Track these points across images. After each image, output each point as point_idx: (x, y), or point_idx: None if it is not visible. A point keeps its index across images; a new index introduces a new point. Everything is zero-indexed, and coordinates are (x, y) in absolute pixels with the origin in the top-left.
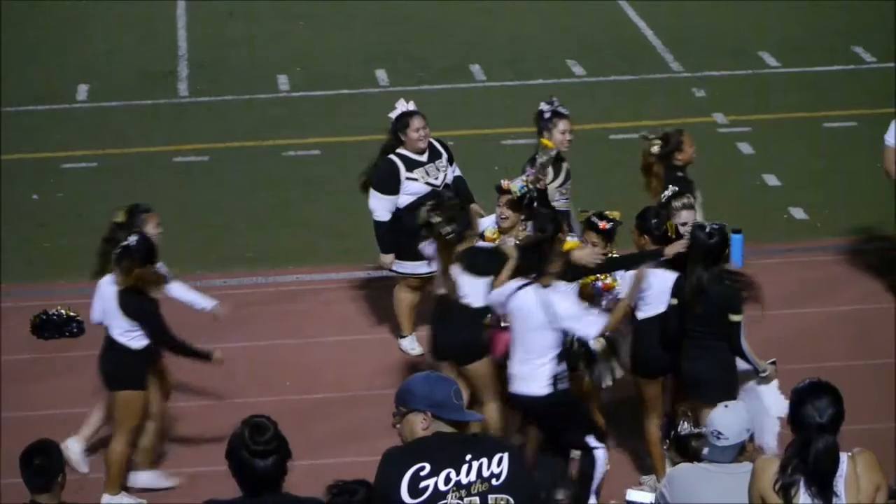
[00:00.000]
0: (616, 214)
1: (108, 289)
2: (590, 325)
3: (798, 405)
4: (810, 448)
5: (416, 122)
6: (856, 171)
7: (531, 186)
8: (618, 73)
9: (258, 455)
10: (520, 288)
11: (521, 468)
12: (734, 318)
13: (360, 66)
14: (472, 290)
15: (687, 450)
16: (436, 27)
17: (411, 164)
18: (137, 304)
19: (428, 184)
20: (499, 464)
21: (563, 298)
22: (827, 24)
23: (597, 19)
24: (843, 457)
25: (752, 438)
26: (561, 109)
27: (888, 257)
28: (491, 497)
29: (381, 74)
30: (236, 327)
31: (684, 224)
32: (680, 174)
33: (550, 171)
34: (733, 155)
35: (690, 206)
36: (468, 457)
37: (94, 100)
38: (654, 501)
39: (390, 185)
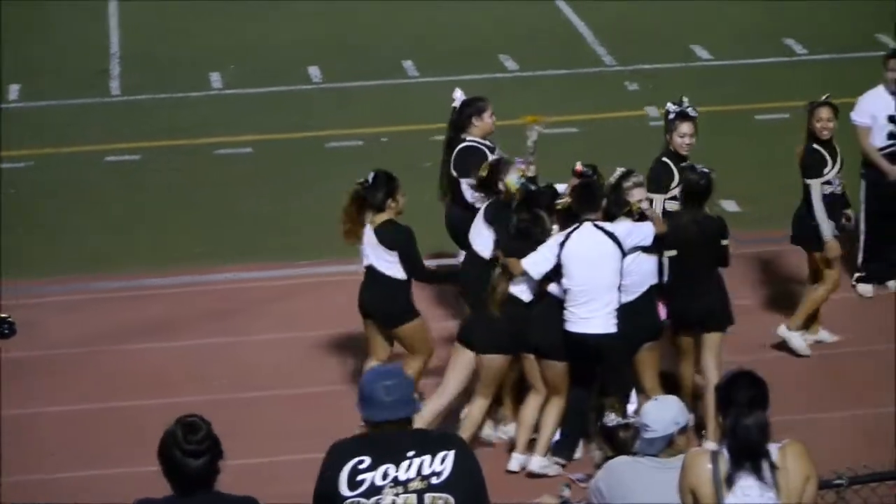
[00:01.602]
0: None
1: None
2: (645, 230)
3: (723, 397)
4: (737, 425)
5: (490, 108)
6: (789, 163)
7: (528, 176)
8: (551, 67)
9: (191, 454)
10: (572, 232)
11: (467, 467)
12: (725, 241)
13: (293, 63)
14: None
15: (615, 440)
16: (369, 23)
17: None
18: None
19: None
20: (442, 462)
21: (614, 224)
22: (758, 17)
23: (530, 14)
24: (774, 448)
25: (682, 432)
26: (689, 111)
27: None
28: (428, 496)
29: (315, 71)
30: (170, 326)
31: (639, 201)
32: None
33: (675, 169)
34: None
35: (641, 184)
36: (410, 453)
37: (27, 99)
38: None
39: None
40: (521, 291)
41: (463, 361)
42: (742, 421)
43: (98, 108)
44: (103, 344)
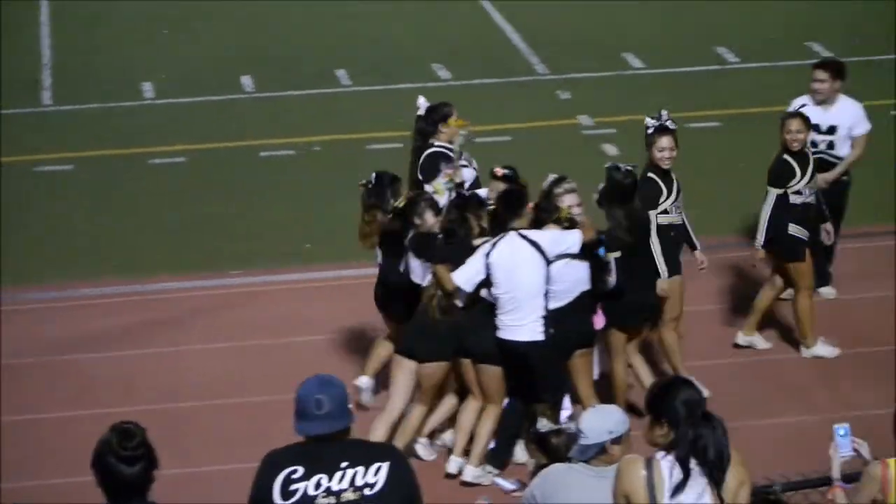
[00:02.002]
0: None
1: None
2: (571, 238)
3: (665, 400)
4: (705, 442)
5: (455, 112)
6: (720, 171)
7: (455, 181)
8: (483, 76)
9: (126, 461)
10: (498, 241)
11: (401, 478)
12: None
13: (225, 72)
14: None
15: (547, 447)
16: (301, 32)
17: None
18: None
19: (473, 169)
20: (375, 473)
21: (539, 233)
22: (690, 26)
23: (462, 23)
24: None
25: (617, 441)
26: (668, 124)
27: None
28: None
29: (247, 80)
30: (103, 336)
31: (569, 207)
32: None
33: (663, 186)
34: (599, 157)
35: (572, 191)
36: (344, 464)
37: None
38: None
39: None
40: (457, 301)
41: (405, 373)
42: (708, 435)
43: (30, 118)
44: (31, 355)
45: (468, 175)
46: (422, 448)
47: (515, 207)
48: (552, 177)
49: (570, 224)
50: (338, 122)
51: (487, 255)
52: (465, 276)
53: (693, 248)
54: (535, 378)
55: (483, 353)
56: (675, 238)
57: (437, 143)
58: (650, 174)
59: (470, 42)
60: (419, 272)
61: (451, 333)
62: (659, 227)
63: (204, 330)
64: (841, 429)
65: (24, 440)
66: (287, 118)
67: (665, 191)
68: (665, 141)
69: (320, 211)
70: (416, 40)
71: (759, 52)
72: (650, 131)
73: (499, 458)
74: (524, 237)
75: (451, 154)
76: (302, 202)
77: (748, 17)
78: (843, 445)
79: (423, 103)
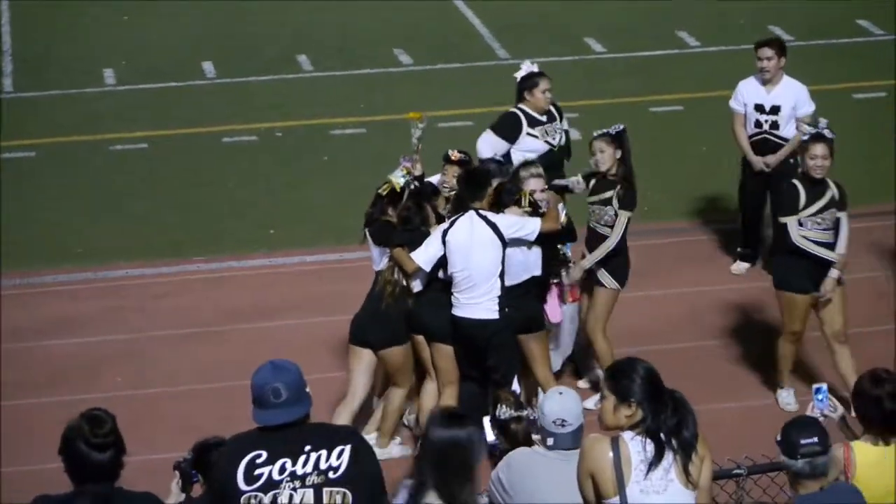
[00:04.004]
0: None
1: None
2: (531, 225)
3: (631, 379)
4: (678, 418)
5: (543, 84)
6: (683, 154)
7: (413, 175)
8: (445, 61)
9: (96, 448)
10: (456, 219)
11: (365, 461)
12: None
13: (186, 58)
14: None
15: (507, 432)
16: (262, 18)
17: (533, 122)
18: None
19: (546, 142)
20: (338, 456)
21: (499, 216)
22: (651, 9)
23: (423, 7)
24: None
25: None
26: (825, 133)
27: (725, 237)
28: (326, 490)
29: (209, 66)
30: (66, 323)
31: (533, 192)
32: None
33: (804, 194)
34: None
35: (538, 175)
36: (307, 447)
37: None
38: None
39: (508, 132)
40: (414, 284)
41: (364, 362)
42: (689, 420)
43: None
44: None
45: (539, 147)
46: (396, 447)
47: (477, 187)
48: (521, 159)
49: (532, 208)
50: (300, 108)
51: (445, 232)
52: (426, 257)
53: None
54: (486, 356)
55: (438, 330)
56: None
57: (519, 106)
58: (794, 180)
59: (432, 27)
60: (377, 259)
61: (403, 317)
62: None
63: (168, 316)
64: (819, 390)
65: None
66: (249, 104)
67: (805, 200)
68: (819, 149)
69: (284, 196)
70: (378, 25)
71: (720, 36)
72: (805, 138)
73: None
74: (483, 217)
75: (521, 118)
76: (265, 188)
77: (710, 1)
78: (820, 406)
79: (526, 67)
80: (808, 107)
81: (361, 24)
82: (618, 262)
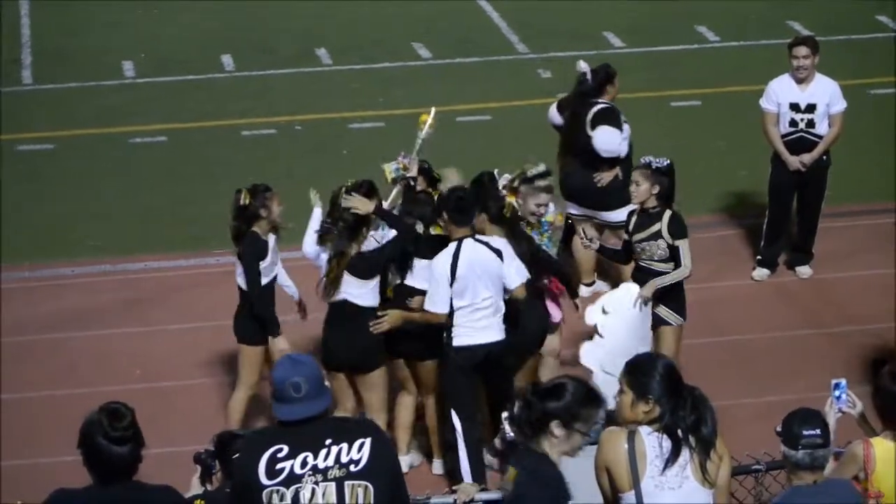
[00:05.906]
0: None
1: None
2: (518, 272)
3: (650, 376)
4: (698, 416)
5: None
6: (701, 149)
7: (404, 172)
8: (463, 55)
9: (116, 441)
10: (461, 243)
11: (384, 454)
12: None
13: (205, 51)
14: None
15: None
16: (282, 11)
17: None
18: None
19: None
20: (359, 450)
21: (499, 241)
22: (670, 5)
23: (442, 2)
24: None
25: None
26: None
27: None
28: (348, 483)
29: (227, 60)
30: (83, 316)
31: (539, 206)
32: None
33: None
34: None
35: (548, 189)
36: (328, 441)
37: None
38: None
39: (618, 121)
40: (365, 299)
41: (341, 386)
42: (702, 409)
43: (10, 98)
44: (8, 335)
45: (628, 132)
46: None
47: (465, 214)
48: (535, 169)
49: (511, 219)
50: (318, 102)
51: (454, 268)
52: (442, 300)
53: None
54: (496, 379)
55: (418, 349)
56: None
57: (601, 101)
58: None
59: (450, 21)
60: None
61: (378, 339)
62: None
63: (185, 309)
64: (838, 385)
65: (6, 420)
66: (269, 97)
67: None
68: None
69: (302, 190)
70: (397, 19)
71: (739, 31)
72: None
73: (479, 477)
74: (483, 243)
75: (618, 110)
76: (284, 181)
77: None
78: (839, 401)
79: (584, 66)
80: (840, 103)
81: (380, 18)
82: (675, 296)
